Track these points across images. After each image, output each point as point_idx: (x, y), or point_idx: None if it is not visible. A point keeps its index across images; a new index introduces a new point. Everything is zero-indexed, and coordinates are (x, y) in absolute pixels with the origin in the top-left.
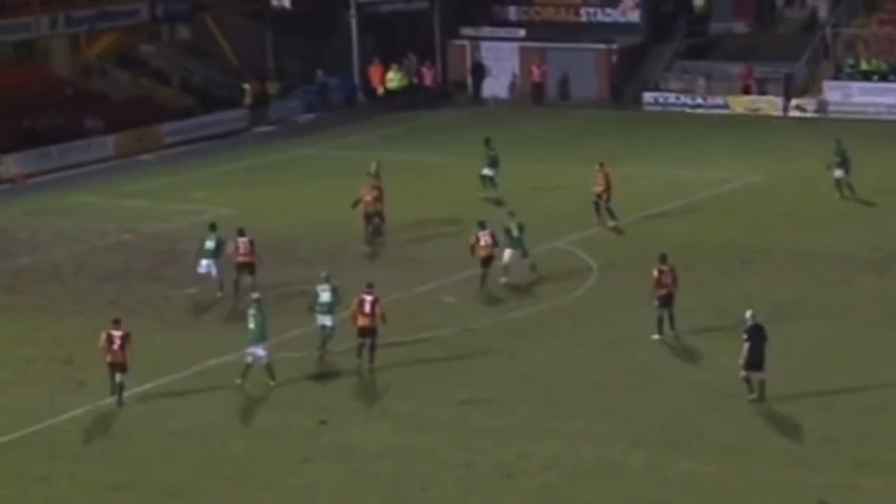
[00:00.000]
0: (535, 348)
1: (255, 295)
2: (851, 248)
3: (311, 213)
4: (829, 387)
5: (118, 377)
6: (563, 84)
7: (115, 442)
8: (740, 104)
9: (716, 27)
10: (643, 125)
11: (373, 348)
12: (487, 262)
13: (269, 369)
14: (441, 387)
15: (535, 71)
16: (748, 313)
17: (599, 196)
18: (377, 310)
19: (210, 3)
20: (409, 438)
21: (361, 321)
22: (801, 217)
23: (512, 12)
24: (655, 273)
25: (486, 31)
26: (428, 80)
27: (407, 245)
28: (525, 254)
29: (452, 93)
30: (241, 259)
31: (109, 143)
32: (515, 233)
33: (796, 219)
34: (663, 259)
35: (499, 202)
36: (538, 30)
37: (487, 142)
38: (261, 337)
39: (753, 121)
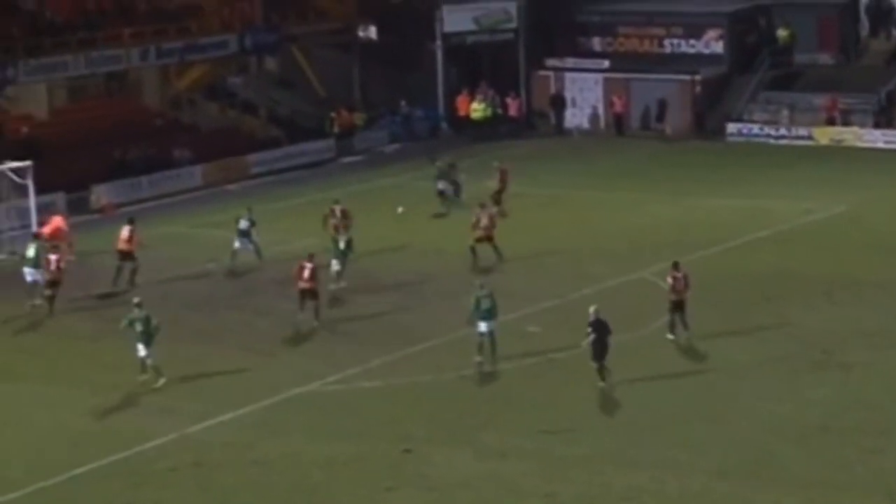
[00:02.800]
0: (618, 379)
1: None
2: None
3: (397, 243)
4: None
5: None
6: (646, 115)
7: (200, 469)
8: (825, 135)
9: (800, 58)
10: (727, 156)
11: (316, 310)
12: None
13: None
14: (524, 416)
15: (617, 102)
16: (591, 308)
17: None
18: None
19: (297, 35)
20: (491, 468)
21: (302, 284)
22: (886, 248)
23: (596, 43)
24: (670, 280)
25: (570, 61)
26: (512, 111)
27: (491, 275)
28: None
29: (536, 123)
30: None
31: (197, 173)
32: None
33: (882, 250)
34: (676, 266)
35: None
36: (622, 61)
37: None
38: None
39: (838, 152)
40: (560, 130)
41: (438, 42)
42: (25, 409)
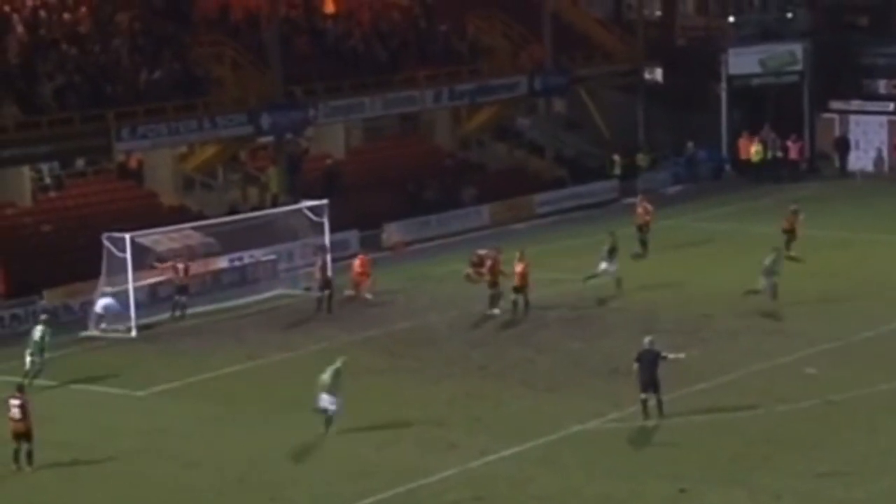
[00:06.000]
0: None
1: None
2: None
3: (676, 283)
4: None
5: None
6: None
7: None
8: None
9: None
10: None
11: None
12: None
13: None
14: (800, 459)
15: None
16: (646, 339)
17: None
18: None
19: (585, 77)
20: None
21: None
22: None
23: (881, 86)
24: None
25: (855, 104)
26: (793, 154)
27: (770, 316)
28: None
29: (820, 166)
30: None
31: (485, 212)
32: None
33: None
34: None
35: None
36: None
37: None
38: None
39: None
40: (843, 173)
41: (723, 84)
42: (312, 441)
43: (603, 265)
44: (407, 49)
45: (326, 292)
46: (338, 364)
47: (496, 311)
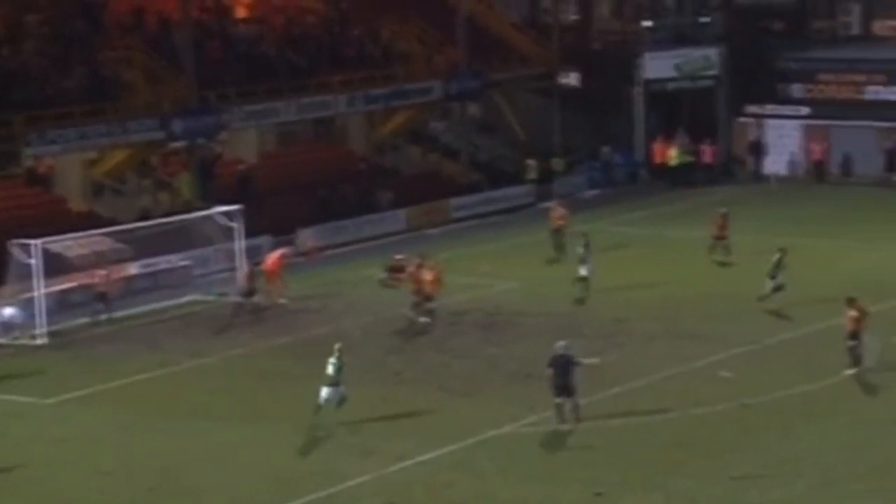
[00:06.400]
0: (812, 426)
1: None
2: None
3: (592, 287)
4: None
5: None
6: (846, 162)
7: None
8: None
9: None
10: None
11: None
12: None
13: None
14: (715, 462)
15: (817, 148)
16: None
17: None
18: None
19: (500, 81)
20: None
21: None
22: None
23: (796, 90)
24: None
25: (770, 108)
26: (707, 158)
27: (686, 319)
28: None
29: (735, 170)
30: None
31: (401, 217)
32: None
33: None
34: (851, 303)
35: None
36: (821, 108)
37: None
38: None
39: None
40: (758, 177)
41: (637, 88)
42: (227, 448)
43: (583, 269)
44: (321, 54)
45: (250, 299)
46: (336, 354)
47: (424, 318)
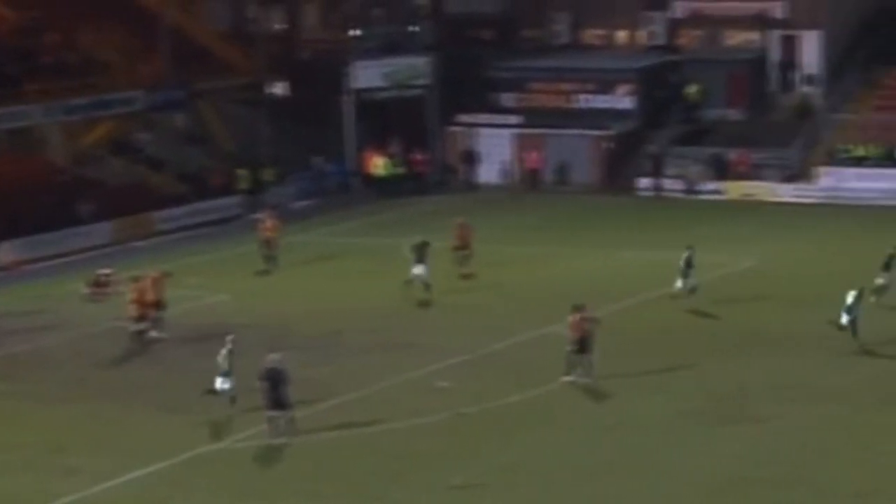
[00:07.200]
0: (530, 433)
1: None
2: (845, 332)
3: (305, 299)
4: (825, 472)
5: None
6: (560, 170)
7: None
8: (735, 190)
9: (710, 114)
10: (638, 211)
11: None
12: None
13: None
14: (434, 472)
15: (531, 157)
16: (272, 357)
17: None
18: None
19: (206, 91)
20: None
21: None
22: (796, 302)
23: (507, 99)
24: (574, 319)
25: (482, 117)
26: (418, 167)
27: (400, 330)
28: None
29: (448, 179)
30: None
31: (106, 229)
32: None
33: (792, 303)
34: (579, 309)
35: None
36: (533, 116)
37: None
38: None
39: (749, 206)
40: (471, 186)
41: (347, 97)
42: None
43: (417, 270)
44: (15, 63)
45: None
46: (228, 346)
47: (160, 334)
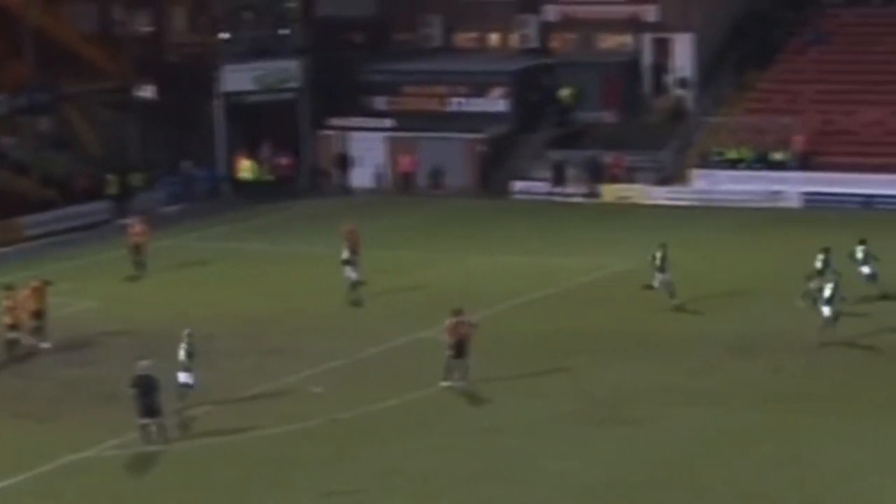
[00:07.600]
0: (405, 438)
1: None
2: (719, 334)
3: (175, 305)
4: (705, 474)
5: None
6: (433, 174)
7: None
8: (610, 193)
9: (584, 116)
10: (512, 214)
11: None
12: None
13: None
14: (309, 478)
15: (405, 161)
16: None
17: None
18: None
19: (73, 94)
20: None
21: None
22: (671, 305)
23: (380, 102)
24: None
25: (355, 121)
26: (285, 171)
27: (274, 336)
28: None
29: (320, 183)
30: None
31: None
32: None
33: (667, 307)
34: (457, 313)
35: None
36: (407, 120)
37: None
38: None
39: (623, 209)
40: (345, 190)
41: (216, 101)
42: None
43: (351, 272)
44: None
45: None
46: (187, 340)
47: (43, 343)
